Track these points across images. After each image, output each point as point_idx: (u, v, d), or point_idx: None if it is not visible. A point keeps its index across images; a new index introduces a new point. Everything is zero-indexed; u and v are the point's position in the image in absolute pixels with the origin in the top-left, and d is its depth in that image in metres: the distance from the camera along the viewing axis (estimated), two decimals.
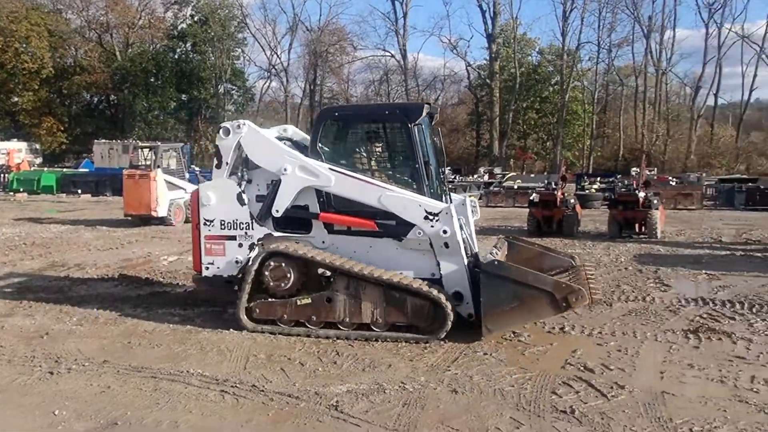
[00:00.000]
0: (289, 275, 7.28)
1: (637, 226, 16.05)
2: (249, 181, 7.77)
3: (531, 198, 17.39)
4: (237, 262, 7.69)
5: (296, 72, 62.11)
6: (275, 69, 60.59)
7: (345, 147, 8.14)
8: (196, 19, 57.87)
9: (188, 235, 16.75)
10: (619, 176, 32.20)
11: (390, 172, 8.02)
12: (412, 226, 7.25)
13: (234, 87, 61.25)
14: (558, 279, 7.13)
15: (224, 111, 57.44)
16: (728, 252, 13.87)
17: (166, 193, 18.60)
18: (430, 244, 7.28)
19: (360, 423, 4.97)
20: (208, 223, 7.78)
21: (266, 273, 7.31)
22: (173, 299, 9.21)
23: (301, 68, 61.64)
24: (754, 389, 5.64)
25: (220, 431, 4.83)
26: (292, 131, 8.60)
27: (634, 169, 28.37)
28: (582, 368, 6.19)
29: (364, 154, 8.32)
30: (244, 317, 7.36)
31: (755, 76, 51.11)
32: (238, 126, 7.69)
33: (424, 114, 7.51)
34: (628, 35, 52.92)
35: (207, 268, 7.82)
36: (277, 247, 7.34)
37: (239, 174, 7.78)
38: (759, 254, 13.55)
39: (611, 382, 5.78)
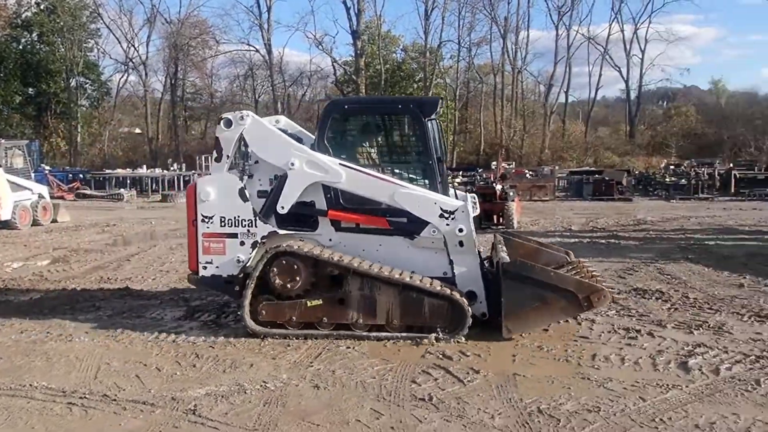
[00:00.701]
0: (298, 275, 6.94)
1: (495, 217, 16.82)
2: (250, 176, 7.37)
3: None
4: (239, 261, 7.23)
5: (156, 66, 59.41)
6: (133, 62, 57.63)
7: (353, 141, 7.87)
8: (42, 7, 53.76)
9: (36, 239, 15.80)
10: (480, 170, 33.61)
11: (401, 169, 7.73)
12: (426, 224, 7.10)
13: (88, 81, 57.58)
14: (580, 279, 7.06)
15: (77, 106, 53.96)
16: (577, 239, 14.89)
17: (9, 194, 17.28)
18: (444, 243, 7.14)
19: (219, 426, 4.87)
20: (206, 220, 7.25)
21: (273, 273, 6.93)
22: (17, 308, 8.55)
23: (161, 62, 59.08)
24: (596, 366, 6.09)
25: None
26: (285, 122, 8.13)
27: (494, 162, 29.77)
28: (441, 356, 6.40)
29: (374, 149, 8.04)
30: (250, 321, 6.94)
31: (600, 75, 55.13)
32: (241, 117, 7.23)
33: (439, 109, 7.37)
34: (486, 35, 55.21)
35: (205, 268, 7.29)
36: (287, 245, 6.96)
37: (241, 168, 7.35)
38: (603, 241, 14.66)
39: (467, 368, 6.03)
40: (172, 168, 42.62)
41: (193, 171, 39.29)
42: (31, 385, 5.65)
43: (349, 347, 6.69)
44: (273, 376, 5.90)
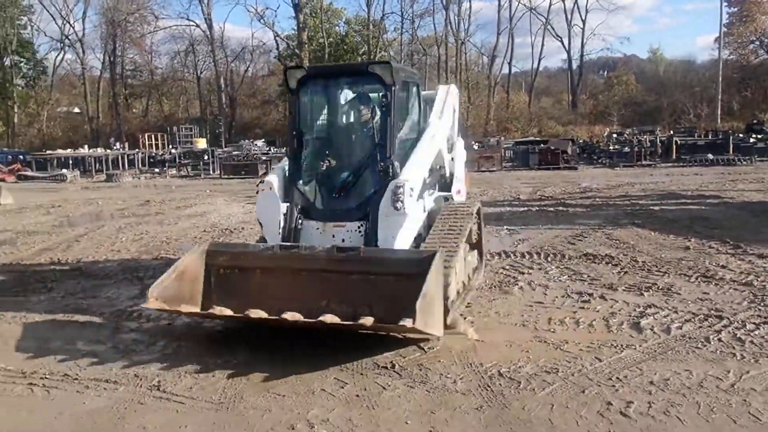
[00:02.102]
0: None
1: None
2: None
3: None
4: None
5: (93, 43, 57.61)
6: (69, 39, 55.72)
7: None
8: None
9: None
10: None
11: None
12: None
13: (22, 59, 55.46)
14: None
15: (12, 86, 51.89)
16: (526, 208, 15.21)
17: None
18: None
19: (184, 401, 4.86)
20: None
21: None
22: None
23: (98, 39, 57.20)
24: (551, 330, 6.27)
25: (30, 427, 4.49)
26: None
27: None
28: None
29: None
30: None
31: (543, 45, 56.06)
32: None
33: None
34: (429, 6, 55.46)
35: None
36: None
37: None
38: (551, 209, 15.00)
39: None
40: (115, 147, 41.55)
41: (137, 150, 38.43)
42: None
43: None
44: (233, 351, 5.90)
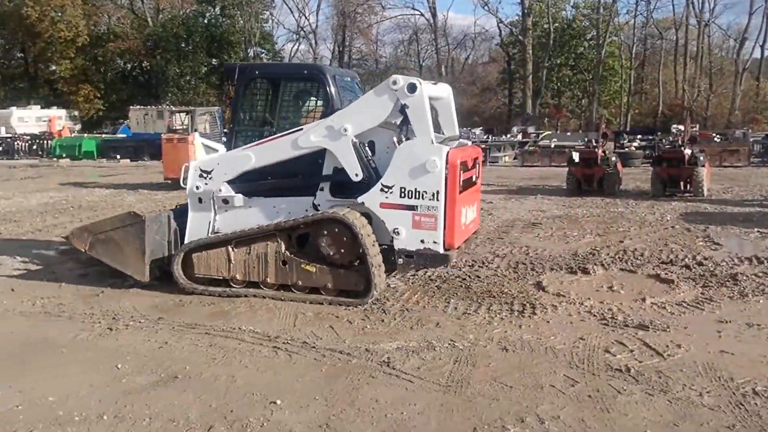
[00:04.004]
0: None
1: (682, 183, 15.67)
2: None
3: (570, 156, 17.06)
4: None
5: (324, 34, 61.59)
6: (304, 31, 60.14)
7: None
8: None
9: None
10: (659, 133, 31.42)
11: None
12: None
13: (263, 50, 60.90)
14: None
15: None
16: None
17: (203, 156, 18.73)
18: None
19: (412, 379, 4.96)
20: None
21: None
22: None
23: (330, 30, 61.06)
24: None
25: (276, 386, 4.86)
26: None
27: (675, 126, 27.53)
28: (635, 326, 6.09)
29: None
30: None
31: None
32: None
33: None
34: None
35: None
36: None
37: None
38: None
39: (667, 341, 5.67)
40: None
41: None
42: (240, 328, 6.11)
43: (534, 313, 6.56)
44: (460, 335, 5.91)
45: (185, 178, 7.52)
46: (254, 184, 7.43)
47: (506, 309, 6.71)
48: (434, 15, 56.26)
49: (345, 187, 7.05)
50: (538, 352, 5.52)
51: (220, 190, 7.38)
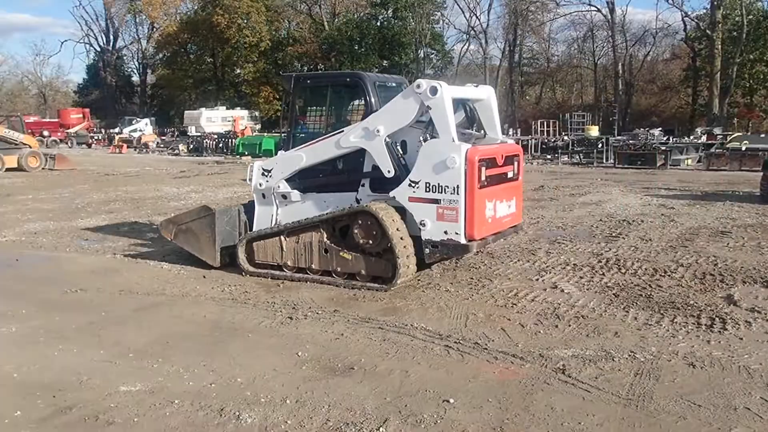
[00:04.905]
0: None
1: None
2: None
3: (766, 160, 15.56)
4: None
5: (495, 33, 60.89)
6: (474, 31, 59.85)
7: None
8: None
9: None
10: None
11: None
12: None
13: (433, 51, 61.54)
14: None
15: (423, 75, 57.97)
16: None
17: None
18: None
19: (590, 389, 4.77)
20: None
21: None
22: None
23: (500, 29, 60.30)
24: None
25: (448, 384, 4.88)
26: None
27: None
28: None
29: None
30: None
31: None
32: None
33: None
34: None
35: None
36: None
37: None
38: None
39: None
40: (507, 133, 43.54)
41: (529, 136, 39.64)
42: (411, 325, 6.22)
43: (725, 329, 6.04)
44: (640, 347, 5.59)
45: (251, 177, 8.48)
46: (307, 181, 8.31)
47: (692, 322, 6.26)
48: (612, 10, 53.67)
49: (383, 183, 7.68)
50: (730, 371, 5.08)
51: (278, 187, 8.32)
